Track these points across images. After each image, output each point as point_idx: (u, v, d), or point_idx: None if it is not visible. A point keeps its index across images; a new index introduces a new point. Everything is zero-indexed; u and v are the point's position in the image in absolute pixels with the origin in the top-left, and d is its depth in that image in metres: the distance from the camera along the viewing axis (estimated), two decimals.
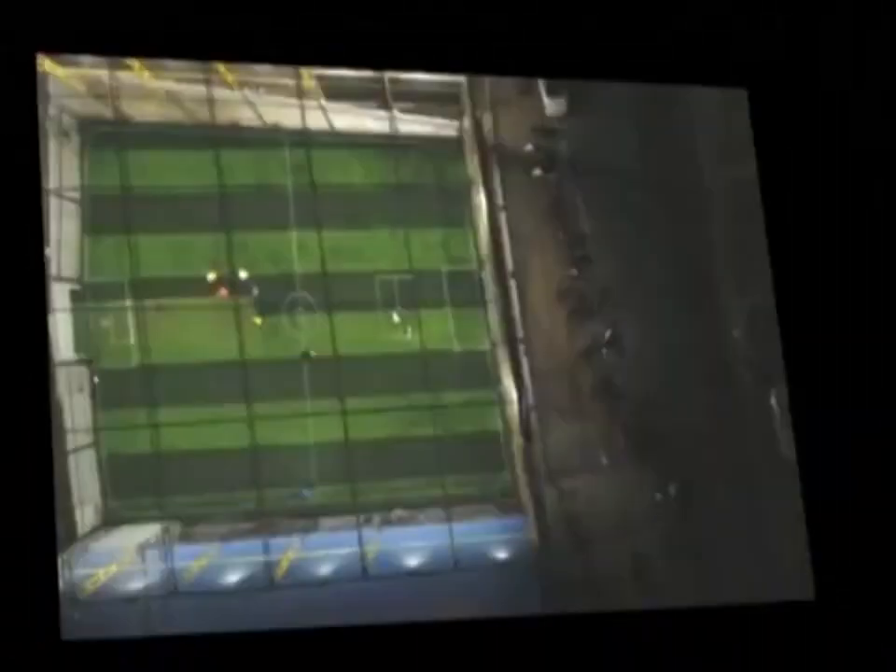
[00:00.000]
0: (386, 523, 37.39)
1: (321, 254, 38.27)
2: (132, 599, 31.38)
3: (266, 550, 32.81)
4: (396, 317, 40.66)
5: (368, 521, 37.52)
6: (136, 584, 31.79)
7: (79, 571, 30.99)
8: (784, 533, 28.62)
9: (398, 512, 38.17)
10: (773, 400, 31.39)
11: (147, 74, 35.84)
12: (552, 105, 37.94)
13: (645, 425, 34.40)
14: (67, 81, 36.49)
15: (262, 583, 32.09)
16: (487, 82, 38.62)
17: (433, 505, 38.33)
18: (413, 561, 34.24)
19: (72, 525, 33.71)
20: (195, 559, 32.90)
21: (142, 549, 33.64)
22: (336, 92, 38.73)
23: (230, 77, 37.70)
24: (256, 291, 38.79)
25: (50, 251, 36.44)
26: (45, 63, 34.77)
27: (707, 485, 32.57)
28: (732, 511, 31.43)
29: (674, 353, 35.01)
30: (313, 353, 39.14)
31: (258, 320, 38.76)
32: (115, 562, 32.59)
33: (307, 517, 37.08)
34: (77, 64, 36.20)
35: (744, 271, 32.72)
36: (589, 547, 34.33)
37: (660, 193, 35.53)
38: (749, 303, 33.00)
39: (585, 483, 35.61)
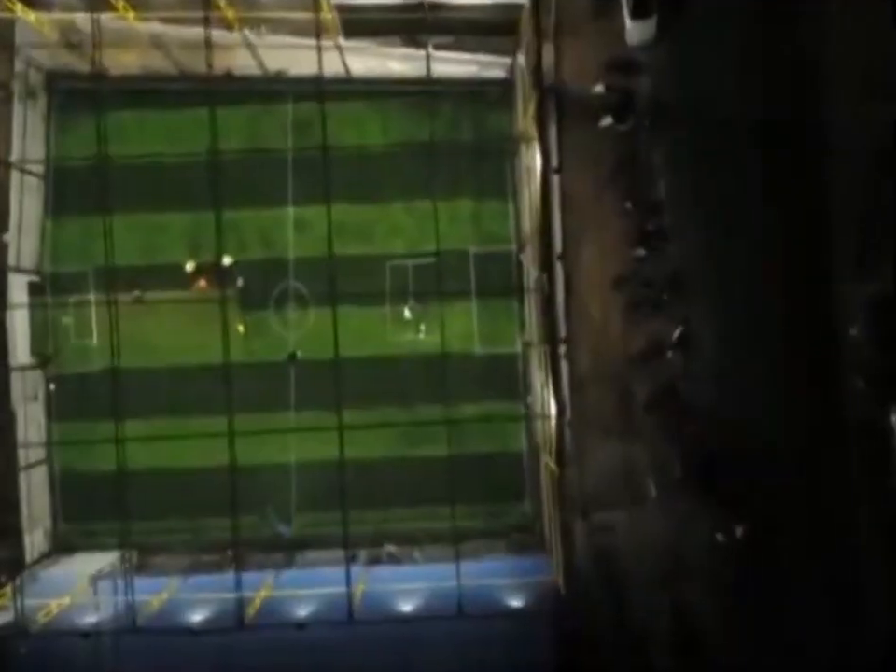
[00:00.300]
0: (375, 559, 32.78)
1: (326, 234, 30.21)
2: (86, 634, 28.18)
3: (238, 586, 28.60)
4: (408, 313, 34.43)
5: (354, 557, 32.26)
6: (91, 618, 28.40)
7: (28, 602, 28.03)
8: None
9: (388, 548, 33.59)
10: (894, 418, 24.61)
11: (131, 14, 30.06)
12: (635, 30, 28.63)
13: (712, 447, 27.50)
14: (39, 27, 30.95)
15: (231, 623, 28.19)
16: (554, 2, 29.53)
17: (433, 540, 33.47)
18: (406, 605, 29.55)
19: (20, 550, 31.07)
20: (156, 593, 29.11)
21: (96, 579, 30.33)
22: (358, 27, 31.00)
23: (230, 13, 30.86)
24: (240, 282, 33.93)
25: (9, 237, 31.51)
26: (16, 6, 30.39)
27: (787, 528, 24.86)
28: (817, 565, 23.69)
29: (761, 357, 26.68)
30: (300, 354, 34.45)
31: (240, 327, 33.56)
32: (67, 593, 29.22)
33: (283, 549, 32.76)
34: (50, 7, 30.85)
35: (870, 249, 22.26)
36: (623, 598, 28.90)
37: (767, 146, 25.69)
38: (871, 292, 22.52)
39: (626, 517, 30.00)
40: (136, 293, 33.58)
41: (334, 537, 33.21)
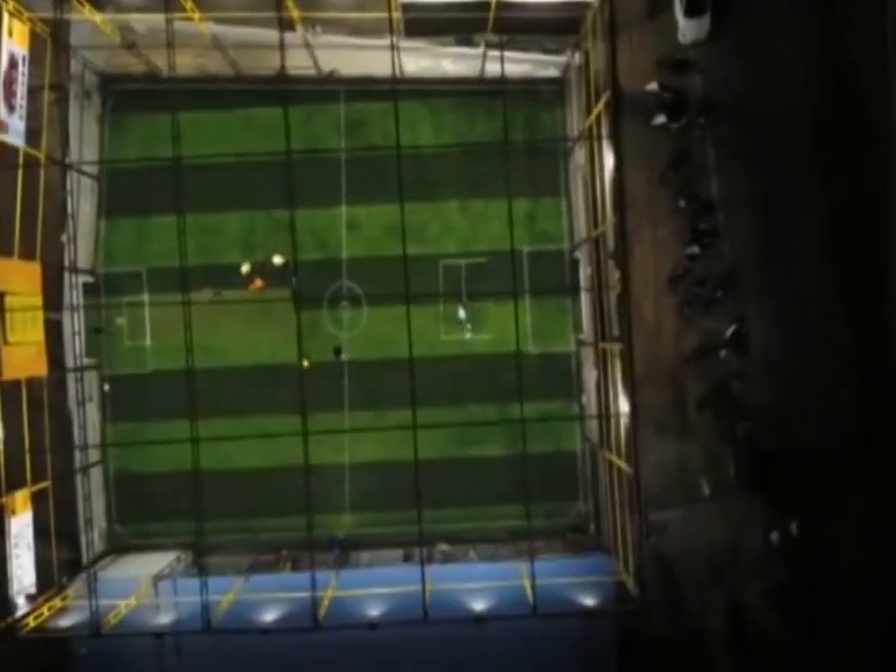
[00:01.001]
0: (429, 559, 31.91)
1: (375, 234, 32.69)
2: (159, 635, 28.19)
3: (312, 585, 27.86)
4: (462, 312, 34.16)
5: (409, 556, 32.63)
6: (159, 618, 28.36)
7: (92, 602, 27.69)
8: None
9: (442, 547, 33.46)
10: None
11: (197, 15, 29.96)
12: (689, 28, 28.24)
13: (766, 446, 27.21)
14: (104, 28, 30.75)
15: (304, 623, 27.71)
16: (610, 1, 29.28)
17: (486, 539, 33.75)
18: (476, 603, 28.97)
19: (77, 551, 31.10)
20: (217, 593, 28.64)
21: (157, 580, 30.25)
22: (419, 26, 30.63)
23: (295, 14, 30.81)
24: (294, 282, 32.96)
25: (65, 238, 30.88)
26: (85, 7, 28.98)
27: (841, 526, 24.87)
28: (871, 563, 23.82)
29: (814, 355, 26.58)
30: (344, 355, 34.30)
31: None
32: (127, 593, 29.02)
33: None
34: (110, 8, 30.82)
35: None
36: (678, 596, 28.76)
37: (822, 143, 25.71)
38: None
39: (680, 516, 29.77)
40: (209, 292, 33.42)
41: (388, 536, 33.84)
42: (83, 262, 34.02)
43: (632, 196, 31.68)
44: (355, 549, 34.00)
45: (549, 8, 29.03)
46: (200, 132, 34.18)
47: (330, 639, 27.81)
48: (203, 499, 31.77)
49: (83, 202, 33.84)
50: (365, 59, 34.04)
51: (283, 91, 29.54)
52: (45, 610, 28.47)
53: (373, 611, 27.84)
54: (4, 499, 27.49)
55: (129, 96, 34.48)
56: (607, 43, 28.41)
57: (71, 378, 33.17)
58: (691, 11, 28.52)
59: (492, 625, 27.55)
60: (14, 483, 28.79)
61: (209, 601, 27.99)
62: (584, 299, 34.59)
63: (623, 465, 28.77)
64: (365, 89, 34.76)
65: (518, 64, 34.04)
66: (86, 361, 33.99)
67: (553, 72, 34.62)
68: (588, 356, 35.08)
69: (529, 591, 28.31)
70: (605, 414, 31.95)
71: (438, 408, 34.14)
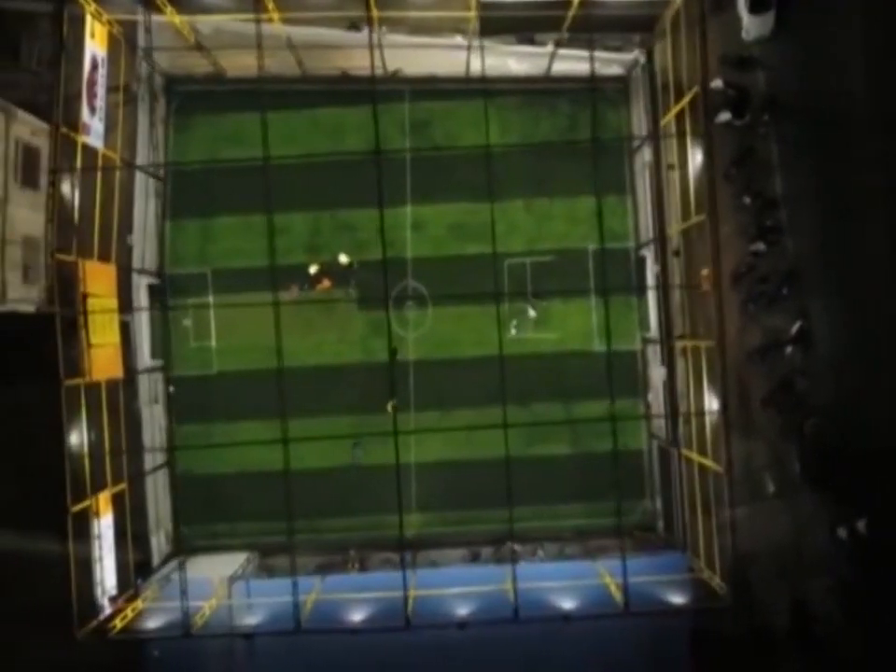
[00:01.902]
0: (499, 558, 32.53)
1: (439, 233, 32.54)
2: (248, 636, 28.18)
3: (404, 585, 27.74)
4: (532, 311, 33.91)
5: (477, 555, 33.17)
6: (246, 619, 28.43)
7: (165, 605, 28.29)
8: None
9: (512, 546, 32.53)
10: None
11: (276, 16, 29.92)
12: (753, 25, 28.59)
13: (832, 443, 27.33)
14: (181, 29, 30.66)
15: (394, 622, 27.47)
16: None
17: (555, 538, 33.60)
18: (565, 602, 28.71)
19: (148, 553, 31.19)
20: (302, 594, 28.24)
21: (232, 581, 30.23)
22: (495, 25, 30.42)
23: (374, 13, 30.08)
24: (354, 282, 33.68)
25: (133, 239, 31.43)
26: (167, 9, 29.10)
27: None
28: None
29: (879, 352, 26.94)
30: (402, 356, 33.80)
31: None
32: (201, 595, 28.85)
33: (404, 549, 31.26)
34: (187, 9, 30.57)
35: None
36: (749, 593, 28.51)
37: (891, 140, 25.82)
38: None
39: (746, 513, 29.21)
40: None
41: (454, 536, 33.86)
42: (149, 264, 34.06)
43: (696, 193, 31.90)
44: (423, 548, 33.57)
45: (629, 6, 29.06)
46: (261, 134, 34.31)
47: (410, 639, 27.57)
48: (270, 500, 31.35)
49: (149, 203, 33.91)
50: (429, 58, 34.04)
51: (373, 91, 28.52)
52: (129, 612, 28.39)
53: (460, 610, 27.77)
54: (90, 502, 27.40)
55: (193, 97, 34.29)
56: (695, 39, 28.37)
57: (139, 380, 33.17)
58: (755, 8, 28.46)
59: (570, 625, 27.41)
60: (93, 486, 28.67)
61: (294, 601, 27.65)
62: (651, 296, 34.51)
63: (711, 463, 28.69)
64: (429, 88, 34.70)
65: (582, 62, 34.01)
66: (153, 363, 34.10)
67: (616, 70, 34.43)
68: (655, 353, 35.09)
69: (613, 589, 28.20)
70: (686, 413, 31.77)
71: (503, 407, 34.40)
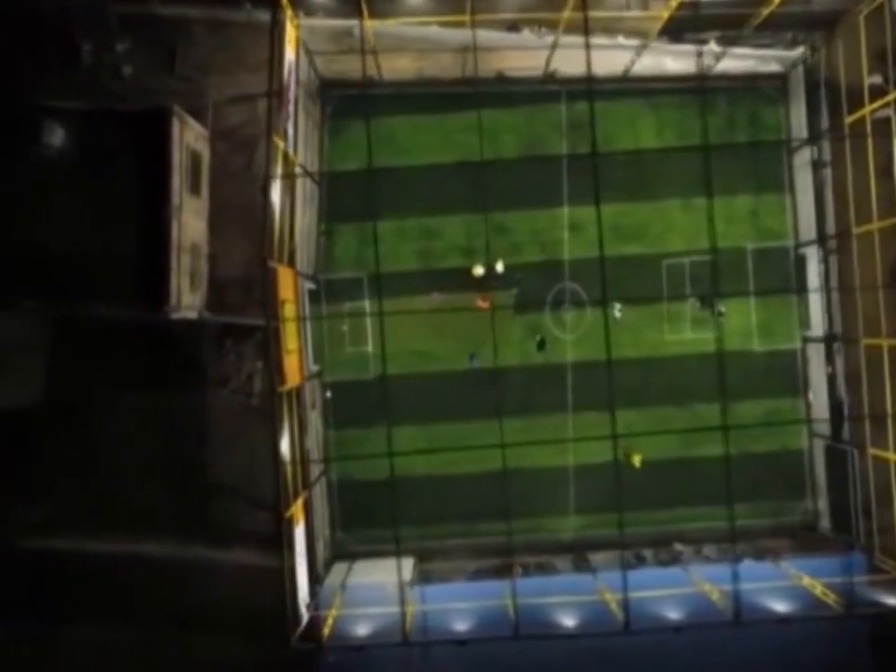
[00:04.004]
0: (662, 560, 32.63)
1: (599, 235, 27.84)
2: (462, 642, 27.90)
3: (626, 586, 27.15)
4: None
5: (640, 558, 32.85)
6: (458, 625, 28.39)
7: (360, 611, 28.58)
8: None
9: (677, 547, 33.22)
10: None
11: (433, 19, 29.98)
12: None
13: None
14: (327, 34, 30.60)
15: (612, 628, 27.08)
16: None
17: (711, 539, 33.16)
18: (778, 605, 28.37)
19: (314, 560, 30.54)
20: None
21: (411, 586, 30.13)
22: (682, 24, 29.86)
23: (565, 14, 29.61)
24: (517, 289, 33.39)
25: (296, 243, 30.61)
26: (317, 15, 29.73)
27: None
28: None
29: None
30: (559, 357, 33.57)
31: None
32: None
33: (557, 553, 32.88)
34: (328, 14, 30.92)
35: None
36: None
37: None
38: None
39: None
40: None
41: (609, 538, 32.38)
42: (306, 269, 33.72)
43: (851, 192, 31.37)
44: (585, 550, 33.30)
45: (824, 2, 28.85)
46: (419, 135, 33.83)
47: (625, 642, 27.24)
48: (426, 505, 32.66)
49: (307, 208, 33.73)
50: (582, 58, 33.98)
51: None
52: (329, 619, 28.41)
53: (671, 614, 27.80)
54: (292, 511, 27.15)
55: (346, 101, 33.94)
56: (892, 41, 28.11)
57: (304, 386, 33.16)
58: None
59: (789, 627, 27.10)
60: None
61: (514, 605, 27.72)
62: (813, 296, 34.04)
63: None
64: (585, 88, 34.66)
65: (741, 60, 33.64)
66: (315, 368, 33.85)
67: (775, 67, 34.09)
68: (816, 353, 34.53)
69: (819, 591, 27.94)
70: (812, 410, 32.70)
71: (664, 407, 34.18)
